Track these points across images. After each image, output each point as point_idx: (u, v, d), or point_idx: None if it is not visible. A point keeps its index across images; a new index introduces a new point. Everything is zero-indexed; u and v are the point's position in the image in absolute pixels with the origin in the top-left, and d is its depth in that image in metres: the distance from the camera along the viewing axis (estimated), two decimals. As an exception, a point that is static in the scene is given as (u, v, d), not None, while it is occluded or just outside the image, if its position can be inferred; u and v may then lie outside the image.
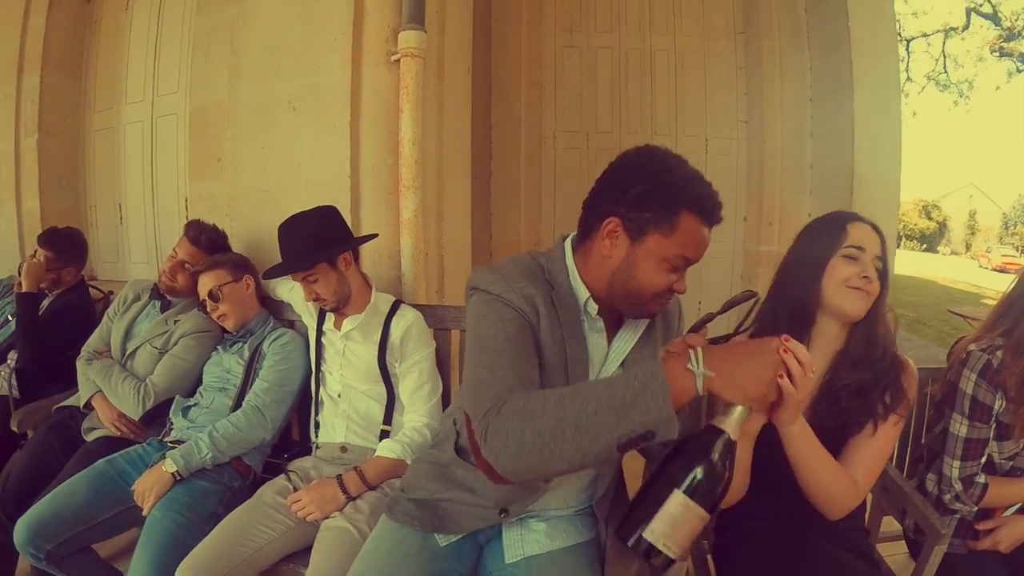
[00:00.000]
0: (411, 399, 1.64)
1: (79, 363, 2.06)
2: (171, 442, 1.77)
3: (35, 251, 2.83)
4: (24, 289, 2.30)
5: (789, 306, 1.21)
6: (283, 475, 1.64)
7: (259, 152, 2.18)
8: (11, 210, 3.29)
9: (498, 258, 3.52)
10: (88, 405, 1.98)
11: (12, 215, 3.28)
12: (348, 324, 1.68)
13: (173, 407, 1.88)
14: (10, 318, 2.74)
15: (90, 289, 2.64)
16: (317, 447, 1.75)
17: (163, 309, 2.09)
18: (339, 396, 1.70)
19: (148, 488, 1.56)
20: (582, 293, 1.05)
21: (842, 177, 3.54)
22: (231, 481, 1.68)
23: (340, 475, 1.52)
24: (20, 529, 1.52)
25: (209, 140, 2.33)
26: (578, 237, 1.09)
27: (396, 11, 2.00)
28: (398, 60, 1.98)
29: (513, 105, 3.53)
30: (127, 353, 2.04)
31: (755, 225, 4.05)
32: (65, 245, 2.45)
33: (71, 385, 2.55)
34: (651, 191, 0.97)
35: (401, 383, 1.67)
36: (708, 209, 0.98)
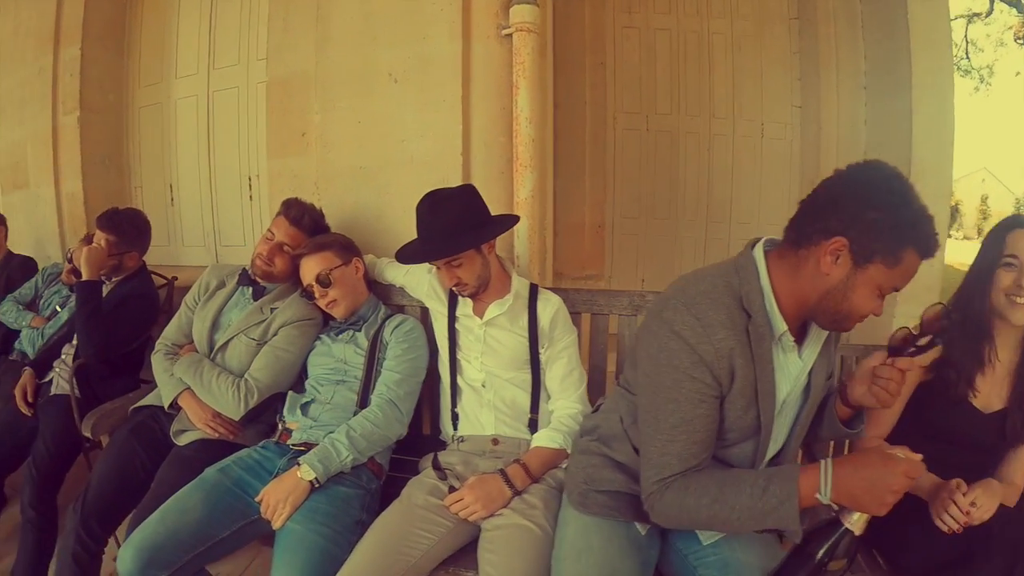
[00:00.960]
0: (561, 386, 1.54)
1: (156, 358, 1.82)
2: (296, 445, 1.57)
3: (85, 235, 2.60)
4: (85, 277, 2.06)
5: (968, 315, 1.27)
6: (427, 473, 1.48)
7: (354, 126, 2.00)
8: (49, 193, 3.01)
9: (564, 241, 3.40)
10: (174, 405, 1.74)
11: (51, 199, 3.01)
12: (494, 310, 1.54)
13: (288, 404, 1.68)
14: (58, 309, 2.50)
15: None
16: (461, 440, 1.58)
17: (256, 296, 1.83)
18: (483, 385, 1.56)
19: (282, 499, 1.37)
20: (779, 325, 1.02)
21: (899, 165, 3.50)
22: (368, 483, 1.50)
23: (502, 469, 1.40)
24: (129, 556, 1.28)
25: (291, 113, 2.11)
26: (787, 244, 1.03)
27: (507, -17, 1.85)
28: (509, 34, 1.85)
29: (577, 85, 3.35)
30: (217, 346, 1.79)
31: None
32: (128, 228, 2.21)
33: (135, 381, 2.35)
34: (886, 222, 0.93)
35: (549, 370, 1.55)
36: (931, 249, 0.96)
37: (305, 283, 1.68)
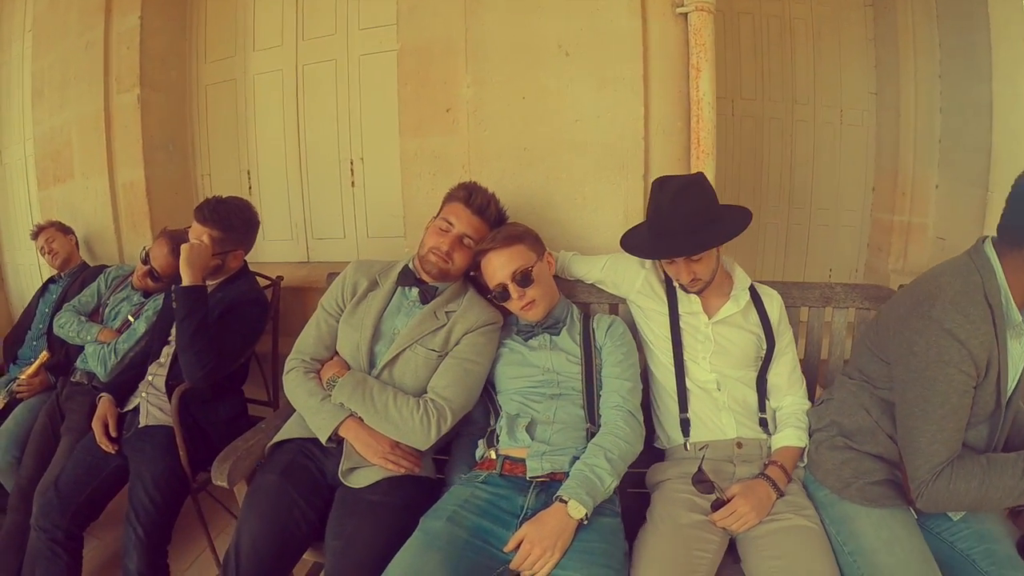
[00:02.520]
0: (789, 381, 1.44)
1: (293, 378, 1.42)
2: (539, 478, 1.26)
3: (163, 230, 2.15)
4: (189, 281, 1.63)
5: None
6: (673, 487, 1.31)
7: (517, 102, 1.73)
8: (100, 184, 2.54)
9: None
10: (333, 437, 1.35)
11: (103, 190, 2.53)
12: (730, 307, 1.42)
13: (503, 426, 1.35)
14: (131, 319, 2.05)
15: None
16: (703, 447, 1.37)
17: (425, 298, 1.47)
18: (717, 387, 1.41)
19: (550, 544, 1.10)
20: (1015, 316, 1.08)
21: (977, 153, 3.38)
22: (618, 508, 1.26)
23: (765, 473, 1.29)
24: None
25: (431, 86, 1.78)
26: (1008, 243, 1.07)
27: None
28: (684, 13, 1.70)
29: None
30: (383, 360, 1.41)
31: (887, 195, 3.87)
32: (236, 221, 1.79)
33: (241, 403, 1.90)
34: None
35: (775, 366, 1.45)
36: None
37: (495, 282, 1.39)
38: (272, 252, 2.41)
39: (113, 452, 1.68)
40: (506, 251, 1.37)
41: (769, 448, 1.37)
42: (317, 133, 2.40)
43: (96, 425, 1.71)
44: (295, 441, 1.38)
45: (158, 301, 2.06)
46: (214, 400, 1.77)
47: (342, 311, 1.49)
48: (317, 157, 2.42)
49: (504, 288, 1.37)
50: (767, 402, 1.42)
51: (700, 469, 1.27)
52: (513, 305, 1.39)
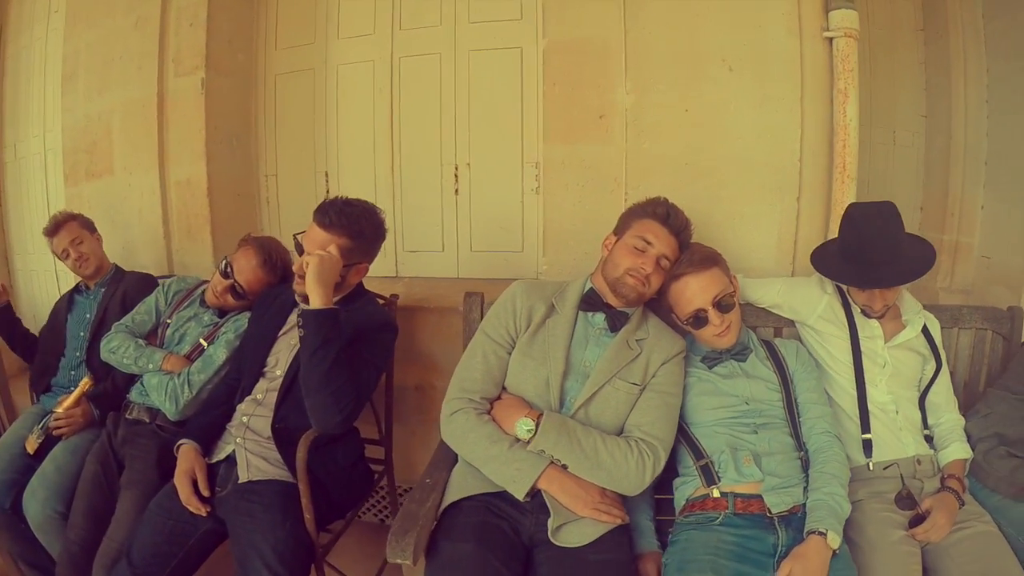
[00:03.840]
0: (947, 399, 1.45)
1: (464, 421, 1.21)
2: (781, 513, 1.19)
3: (245, 236, 1.77)
4: (321, 303, 1.28)
5: None
6: (877, 507, 1.28)
7: (680, 114, 1.65)
8: (149, 181, 2.13)
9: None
10: (532, 491, 1.14)
11: (152, 187, 2.13)
12: (907, 333, 1.43)
13: (725, 461, 1.23)
14: (204, 343, 1.67)
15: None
16: (889, 466, 1.35)
17: (614, 326, 1.30)
18: (896, 410, 1.40)
19: None
20: None
21: (1020, 176, 3.45)
22: None
23: (947, 485, 1.30)
24: None
25: (583, 88, 1.64)
26: None
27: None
28: (829, 38, 1.69)
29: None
30: (581, 398, 1.23)
31: (936, 215, 3.86)
32: (368, 229, 1.43)
33: (359, 445, 1.56)
34: None
35: (936, 385, 1.46)
36: None
37: (693, 307, 1.30)
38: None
39: (204, 515, 1.32)
40: (705, 274, 1.29)
41: (937, 462, 1.39)
42: (415, 134, 2.08)
43: (182, 482, 1.34)
44: (476, 498, 1.17)
45: (240, 322, 1.69)
46: (331, 444, 1.43)
47: (514, 341, 1.29)
48: (414, 161, 2.10)
49: (702, 314, 1.28)
50: (928, 419, 1.45)
51: (904, 487, 1.30)
52: (708, 331, 1.30)
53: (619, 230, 1.35)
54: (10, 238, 2.78)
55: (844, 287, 1.43)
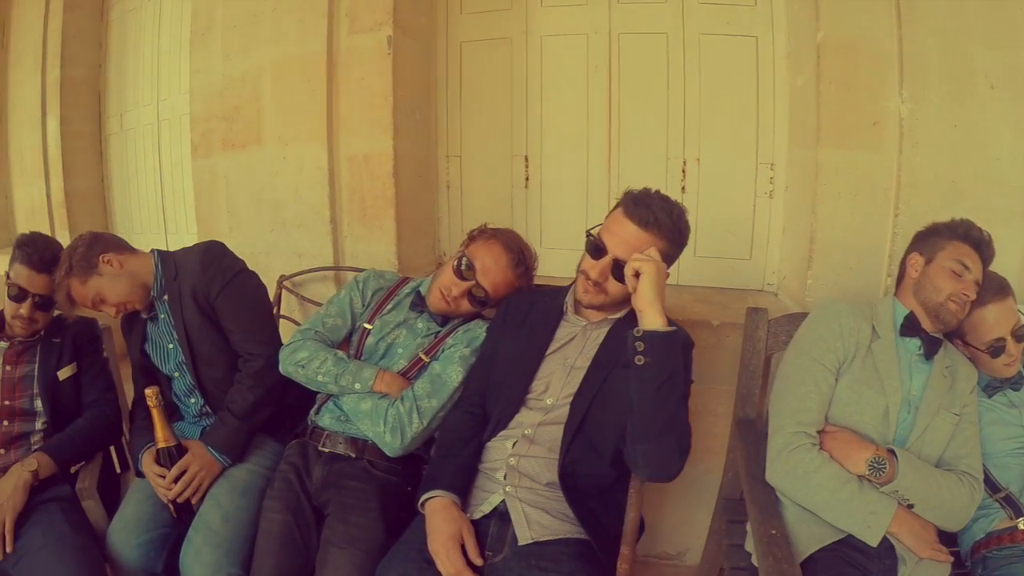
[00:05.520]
0: None
1: (809, 460, 1.06)
2: None
3: (480, 227, 1.35)
4: (660, 323, 0.99)
5: None
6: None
7: (948, 129, 1.50)
8: (312, 155, 1.72)
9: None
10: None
11: (316, 163, 1.71)
12: None
13: None
14: (424, 358, 1.27)
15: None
16: None
17: (930, 353, 1.17)
18: None
19: None
20: None
21: None
22: None
23: None
24: None
25: (857, 91, 1.47)
26: None
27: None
28: None
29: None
30: (918, 429, 1.12)
31: None
32: (685, 236, 1.14)
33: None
34: None
35: None
36: None
37: (992, 336, 1.22)
38: (554, 264, 1.66)
39: None
40: (1005, 303, 1.23)
41: None
42: (636, 121, 1.74)
43: (452, 551, 0.96)
44: (828, 548, 1.03)
45: (473, 332, 1.29)
46: (616, 488, 1.12)
47: (839, 366, 1.15)
48: (634, 152, 1.75)
49: (1000, 343, 1.21)
50: None
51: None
52: (1000, 360, 1.22)
53: (926, 250, 1.20)
54: (114, 217, 2.33)
55: None
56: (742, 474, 1.18)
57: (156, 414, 1.19)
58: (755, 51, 1.71)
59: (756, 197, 1.73)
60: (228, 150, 1.88)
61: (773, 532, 0.99)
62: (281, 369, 1.27)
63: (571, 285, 1.23)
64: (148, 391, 1.17)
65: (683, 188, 1.71)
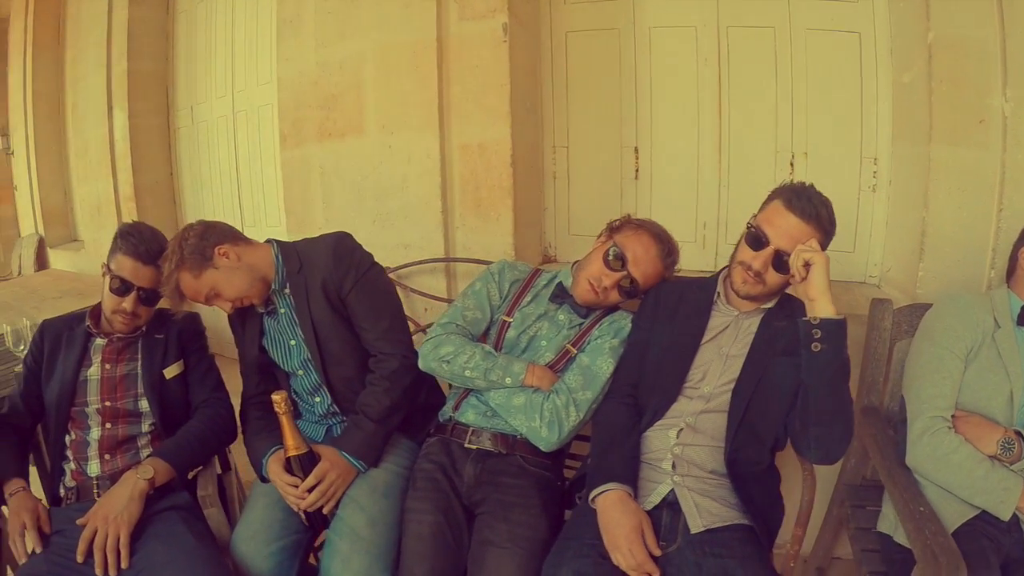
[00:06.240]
0: None
1: (950, 443, 1.08)
2: None
3: (623, 217, 1.26)
4: (834, 312, 1.00)
5: None
6: None
7: None
8: (424, 144, 1.66)
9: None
10: None
11: (426, 152, 1.65)
12: None
13: None
14: (571, 349, 1.22)
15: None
16: None
17: None
18: None
19: None
20: None
21: None
22: None
23: None
24: None
25: (965, 88, 1.43)
26: None
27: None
28: None
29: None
30: None
31: None
32: (833, 232, 1.12)
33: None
34: None
35: None
36: None
37: None
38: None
39: None
40: None
41: None
42: (746, 114, 1.69)
43: (635, 543, 0.94)
44: (968, 524, 1.06)
45: (619, 323, 1.23)
46: (771, 471, 1.14)
47: (967, 354, 1.16)
48: (743, 144, 1.69)
49: None
50: None
51: None
52: None
53: None
54: (184, 210, 2.25)
55: None
56: (877, 459, 1.18)
57: (285, 421, 1.09)
58: (858, 47, 1.66)
59: (860, 191, 1.68)
60: (324, 139, 1.81)
61: (922, 509, 1.03)
62: (422, 365, 1.19)
63: (717, 275, 1.20)
64: (276, 396, 1.07)
65: (792, 176, 1.64)
